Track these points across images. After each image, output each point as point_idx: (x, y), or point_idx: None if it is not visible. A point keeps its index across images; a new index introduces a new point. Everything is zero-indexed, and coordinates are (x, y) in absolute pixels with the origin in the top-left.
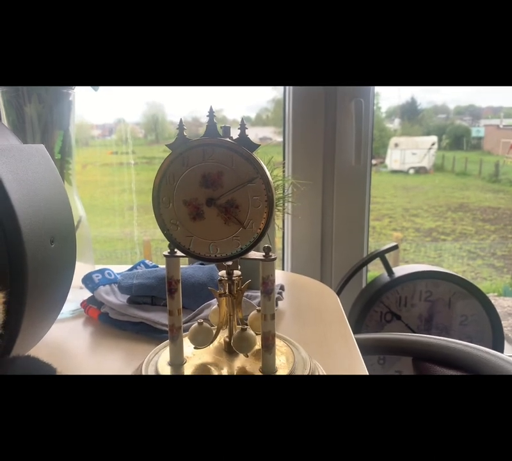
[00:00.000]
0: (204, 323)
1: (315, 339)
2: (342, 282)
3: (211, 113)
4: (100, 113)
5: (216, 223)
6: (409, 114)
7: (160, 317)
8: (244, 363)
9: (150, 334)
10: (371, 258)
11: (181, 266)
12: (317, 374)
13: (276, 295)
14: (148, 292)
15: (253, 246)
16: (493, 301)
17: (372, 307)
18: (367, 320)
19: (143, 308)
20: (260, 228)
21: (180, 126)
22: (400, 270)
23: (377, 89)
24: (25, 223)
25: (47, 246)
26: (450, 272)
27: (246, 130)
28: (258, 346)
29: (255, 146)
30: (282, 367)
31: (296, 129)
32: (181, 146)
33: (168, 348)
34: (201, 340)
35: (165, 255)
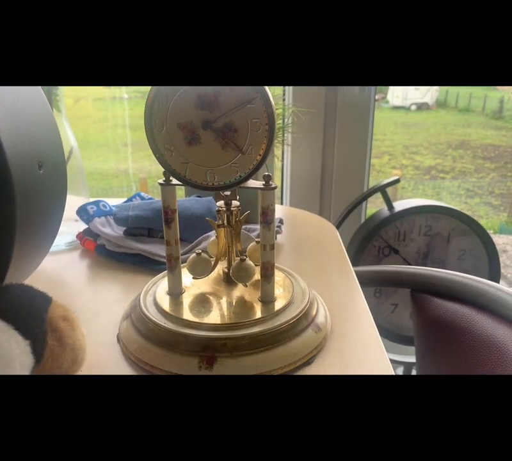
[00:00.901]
0: (202, 254)
1: (313, 271)
2: (341, 217)
3: None
4: None
5: (213, 149)
6: None
7: (157, 249)
8: (243, 293)
9: (147, 265)
10: (372, 192)
11: (178, 199)
12: (315, 304)
13: (275, 228)
14: (145, 224)
15: (252, 173)
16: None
17: (371, 241)
18: (365, 254)
19: (139, 240)
20: (259, 155)
21: None
22: (400, 205)
23: None
24: (9, 144)
25: (34, 172)
26: (451, 207)
27: None
28: (257, 276)
29: None
30: (281, 297)
31: None
32: None
33: (166, 279)
34: (199, 271)
35: (160, 184)
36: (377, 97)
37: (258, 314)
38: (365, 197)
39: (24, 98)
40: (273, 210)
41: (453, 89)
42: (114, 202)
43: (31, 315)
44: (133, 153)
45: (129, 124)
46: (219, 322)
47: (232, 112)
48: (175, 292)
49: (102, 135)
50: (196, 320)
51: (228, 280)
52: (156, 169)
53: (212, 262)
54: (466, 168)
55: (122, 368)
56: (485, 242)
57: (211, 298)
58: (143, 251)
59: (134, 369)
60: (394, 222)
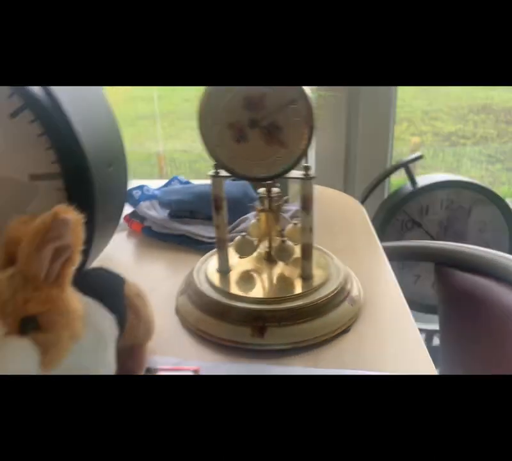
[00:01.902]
0: (246, 236)
1: (343, 247)
2: (365, 193)
3: None
4: None
5: (259, 145)
6: None
7: (199, 230)
8: (283, 270)
9: (191, 245)
10: (395, 168)
11: (208, 181)
12: (349, 280)
13: None
14: (187, 207)
15: (294, 166)
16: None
17: (395, 215)
18: (388, 228)
19: (183, 221)
20: (301, 149)
21: None
22: (422, 180)
23: None
24: (88, 147)
25: (106, 170)
26: (472, 180)
27: None
28: (295, 255)
29: None
30: (318, 274)
31: None
32: None
33: (213, 258)
34: (245, 251)
35: (211, 176)
36: None
37: (299, 289)
38: (388, 174)
39: (94, 101)
40: (312, 198)
41: None
42: (153, 184)
43: (113, 293)
44: (150, 127)
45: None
46: (266, 296)
47: (276, 112)
48: (224, 270)
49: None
50: (246, 294)
51: (269, 259)
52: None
53: (255, 243)
54: (488, 133)
55: (182, 337)
56: (505, 214)
57: (255, 275)
58: (187, 232)
59: (193, 338)
60: (417, 197)
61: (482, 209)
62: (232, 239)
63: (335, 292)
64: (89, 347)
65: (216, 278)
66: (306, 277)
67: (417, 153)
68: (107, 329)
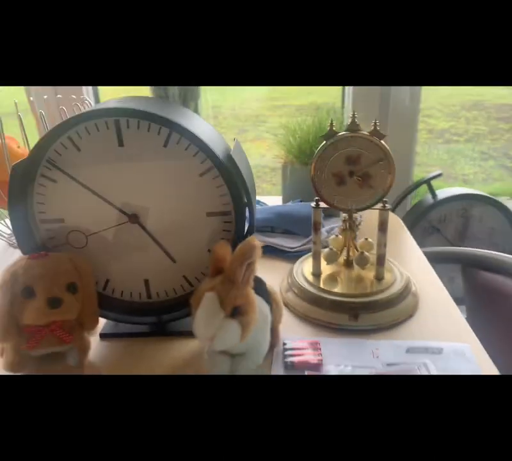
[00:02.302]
0: (332, 248)
1: (392, 253)
2: (393, 205)
3: (354, 116)
4: None
5: (354, 187)
6: None
7: (281, 242)
8: (360, 273)
9: (275, 253)
10: (418, 185)
11: (284, 204)
12: (409, 280)
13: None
14: (268, 224)
15: (378, 202)
16: (507, 204)
17: (418, 223)
18: (413, 234)
19: (265, 234)
20: (384, 190)
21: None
22: (441, 193)
23: None
24: (250, 185)
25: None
26: (483, 193)
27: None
28: (371, 262)
29: (382, 136)
30: (387, 276)
31: None
32: (332, 137)
33: (303, 264)
34: (331, 259)
35: (313, 207)
36: None
37: (377, 286)
38: (412, 189)
39: (244, 155)
40: (387, 222)
41: None
42: None
43: (264, 291)
44: None
45: None
46: (355, 291)
47: (368, 167)
48: (317, 273)
49: None
50: (341, 291)
51: (348, 265)
52: None
53: (338, 253)
54: (480, 129)
55: (293, 322)
56: (511, 221)
57: (342, 276)
58: (272, 243)
59: (302, 322)
60: (437, 207)
61: (491, 217)
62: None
63: (402, 289)
64: (260, 327)
65: (312, 279)
66: (380, 278)
67: (437, 172)
68: (267, 314)
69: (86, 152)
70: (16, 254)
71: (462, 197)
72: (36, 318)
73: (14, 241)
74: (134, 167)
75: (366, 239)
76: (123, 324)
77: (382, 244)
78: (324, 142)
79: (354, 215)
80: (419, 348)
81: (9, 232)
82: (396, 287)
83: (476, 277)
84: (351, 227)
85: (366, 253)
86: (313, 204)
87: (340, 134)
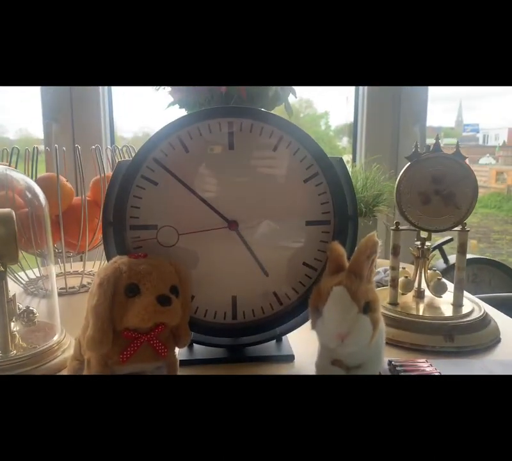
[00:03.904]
0: (408, 277)
1: None
2: None
3: (437, 139)
4: None
5: (438, 206)
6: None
7: None
8: (432, 302)
9: None
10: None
11: None
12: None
13: None
14: None
15: (461, 221)
16: None
17: None
18: None
19: None
20: (468, 209)
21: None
22: (453, 259)
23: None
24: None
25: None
26: (491, 258)
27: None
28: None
29: (464, 158)
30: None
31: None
32: (417, 158)
33: (382, 292)
34: (406, 288)
35: (392, 229)
36: None
37: (461, 311)
38: None
39: None
40: (466, 244)
41: None
42: None
43: None
44: None
45: None
46: (441, 316)
47: (453, 185)
48: (394, 302)
49: None
50: (428, 315)
51: (419, 295)
52: None
53: (413, 282)
54: None
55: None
56: None
57: (419, 304)
58: None
59: (393, 347)
60: (450, 272)
61: (500, 281)
62: None
63: (484, 314)
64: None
65: (389, 308)
66: (458, 304)
67: (448, 237)
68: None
69: (194, 154)
70: (33, 302)
71: (474, 261)
72: (145, 315)
73: (31, 288)
74: (241, 171)
75: (435, 270)
76: (196, 348)
77: (461, 268)
78: (409, 163)
79: (427, 242)
80: None
81: (27, 279)
82: (477, 313)
83: None
84: (423, 254)
85: (444, 280)
86: (392, 227)
87: (424, 154)
